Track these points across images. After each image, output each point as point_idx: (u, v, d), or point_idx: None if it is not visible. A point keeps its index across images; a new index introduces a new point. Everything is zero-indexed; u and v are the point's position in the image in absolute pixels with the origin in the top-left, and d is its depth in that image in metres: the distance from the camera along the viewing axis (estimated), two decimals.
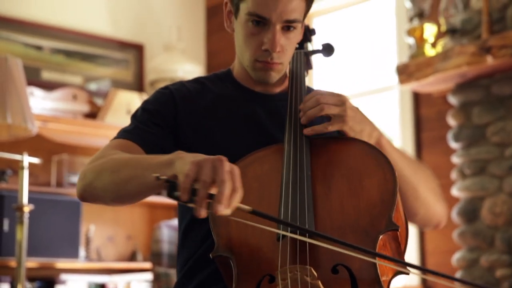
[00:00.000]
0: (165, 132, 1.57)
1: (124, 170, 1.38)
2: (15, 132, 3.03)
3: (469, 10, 3.37)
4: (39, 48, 4.34)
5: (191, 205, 1.19)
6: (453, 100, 3.45)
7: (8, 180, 3.82)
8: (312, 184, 1.41)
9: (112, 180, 1.39)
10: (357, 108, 1.50)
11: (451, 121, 3.45)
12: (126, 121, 4.59)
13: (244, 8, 1.54)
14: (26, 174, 2.89)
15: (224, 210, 1.19)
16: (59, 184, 4.10)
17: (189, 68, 4.58)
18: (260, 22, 1.53)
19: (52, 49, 4.39)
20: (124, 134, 1.56)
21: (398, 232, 1.34)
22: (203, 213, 1.19)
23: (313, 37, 1.80)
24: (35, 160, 2.98)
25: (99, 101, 4.40)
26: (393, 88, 4.02)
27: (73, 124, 4.01)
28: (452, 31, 3.33)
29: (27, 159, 2.90)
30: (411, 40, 3.54)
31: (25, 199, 2.86)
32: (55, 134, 3.92)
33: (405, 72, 3.45)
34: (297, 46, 1.80)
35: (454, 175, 3.42)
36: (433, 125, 3.71)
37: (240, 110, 1.62)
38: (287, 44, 1.56)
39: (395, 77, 3.95)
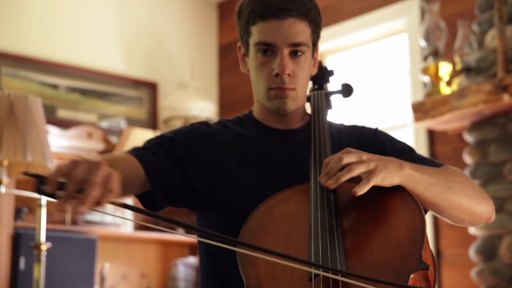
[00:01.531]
0: (169, 158, 1.60)
1: None
2: (33, 170, 3.04)
3: (484, 49, 3.39)
4: (55, 86, 4.38)
5: (56, 199, 1.19)
6: (469, 137, 3.46)
7: (23, 218, 3.83)
8: (339, 223, 1.41)
9: None
10: (368, 153, 1.46)
11: (467, 159, 3.45)
12: None
13: (252, 41, 1.61)
14: (44, 212, 2.89)
15: (83, 209, 1.19)
16: (74, 222, 4.10)
17: (203, 105, 4.60)
18: (267, 51, 1.59)
19: (68, 88, 4.43)
20: (131, 149, 1.60)
21: (428, 271, 1.34)
22: (64, 208, 1.19)
23: (331, 78, 1.83)
24: (53, 198, 2.98)
25: (113, 139, 4.42)
26: (407, 125, 4.03)
27: None
28: (467, 70, 3.36)
29: (45, 197, 2.91)
30: (426, 78, 3.56)
31: (42, 237, 2.86)
32: None
33: (420, 110, 3.46)
34: (316, 87, 1.83)
35: None
36: (449, 163, 3.67)
37: (258, 147, 1.65)
38: (297, 70, 1.59)
39: (409, 115, 3.97)
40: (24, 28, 4.32)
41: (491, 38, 3.36)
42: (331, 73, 1.83)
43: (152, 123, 4.74)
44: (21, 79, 4.24)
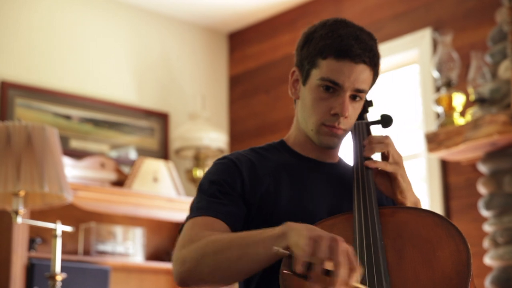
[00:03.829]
0: (235, 200, 1.58)
1: (230, 251, 1.38)
2: (49, 200, 3.05)
3: (497, 79, 3.41)
4: (68, 117, 4.41)
5: (305, 279, 1.22)
6: (483, 168, 3.46)
7: (37, 249, 3.82)
8: (385, 254, 1.41)
9: (219, 261, 1.39)
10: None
11: (481, 189, 3.45)
12: (152, 189, 4.58)
13: (316, 74, 1.61)
14: (59, 242, 2.89)
15: None
16: (86, 252, 4.10)
17: (214, 136, 4.62)
18: (331, 88, 1.60)
19: (81, 118, 4.46)
20: (201, 211, 1.55)
21: None
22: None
23: (370, 108, 1.84)
24: (68, 229, 2.98)
25: (125, 169, 4.44)
26: (419, 156, 4.04)
27: (102, 192, 4.03)
28: (481, 100, 3.37)
29: (60, 228, 2.91)
30: (439, 109, 3.57)
31: (58, 267, 2.85)
32: (84, 202, 3.94)
33: (434, 140, 3.47)
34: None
35: (486, 243, 3.40)
36: (462, 193, 3.71)
37: (301, 177, 1.65)
38: (352, 113, 1.63)
39: (421, 145, 3.98)
40: (38, 60, 4.36)
41: (504, 69, 3.38)
42: (370, 103, 1.85)
43: (163, 154, 4.76)
44: (35, 110, 4.27)
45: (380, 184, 1.61)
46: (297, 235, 1.26)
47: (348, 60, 1.58)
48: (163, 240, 4.56)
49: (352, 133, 1.74)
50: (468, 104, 3.54)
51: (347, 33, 1.60)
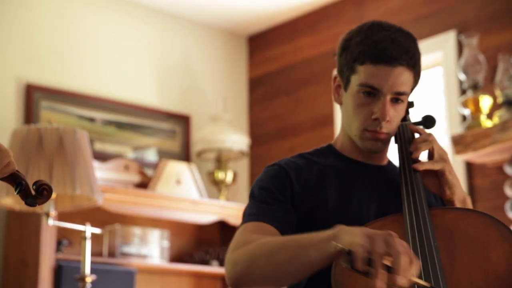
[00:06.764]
0: (286, 206, 1.60)
1: (282, 253, 1.40)
2: (79, 202, 3.07)
3: None
4: (91, 120, 4.43)
5: (366, 275, 1.23)
6: (509, 170, 3.46)
7: (63, 251, 3.84)
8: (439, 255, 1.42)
9: (271, 263, 1.41)
10: None
11: (509, 191, 3.44)
12: (176, 191, 4.58)
13: (355, 79, 1.63)
14: (88, 244, 2.91)
15: (402, 280, 1.22)
16: (111, 254, 4.11)
17: (236, 138, 4.63)
18: (371, 93, 1.61)
19: (104, 121, 4.48)
20: (252, 217, 1.59)
21: None
22: (379, 284, 1.22)
23: (411, 110, 1.85)
24: (97, 231, 3.00)
25: (148, 171, 4.45)
26: None
27: (127, 194, 4.05)
28: (508, 103, 3.37)
29: (90, 230, 2.92)
30: (466, 111, 3.57)
31: (87, 269, 2.87)
32: (109, 204, 3.96)
33: (461, 143, 3.47)
34: None
35: None
36: (488, 195, 3.71)
37: (349, 180, 1.66)
38: (394, 116, 1.63)
39: (445, 147, 3.98)
40: (62, 63, 4.38)
41: None
42: (411, 104, 1.85)
43: (184, 156, 4.77)
44: (59, 112, 4.30)
45: (428, 182, 1.62)
46: (351, 235, 1.28)
47: (384, 64, 1.59)
48: (186, 242, 4.58)
49: (396, 135, 1.75)
50: (495, 107, 3.54)
51: (382, 36, 1.61)
